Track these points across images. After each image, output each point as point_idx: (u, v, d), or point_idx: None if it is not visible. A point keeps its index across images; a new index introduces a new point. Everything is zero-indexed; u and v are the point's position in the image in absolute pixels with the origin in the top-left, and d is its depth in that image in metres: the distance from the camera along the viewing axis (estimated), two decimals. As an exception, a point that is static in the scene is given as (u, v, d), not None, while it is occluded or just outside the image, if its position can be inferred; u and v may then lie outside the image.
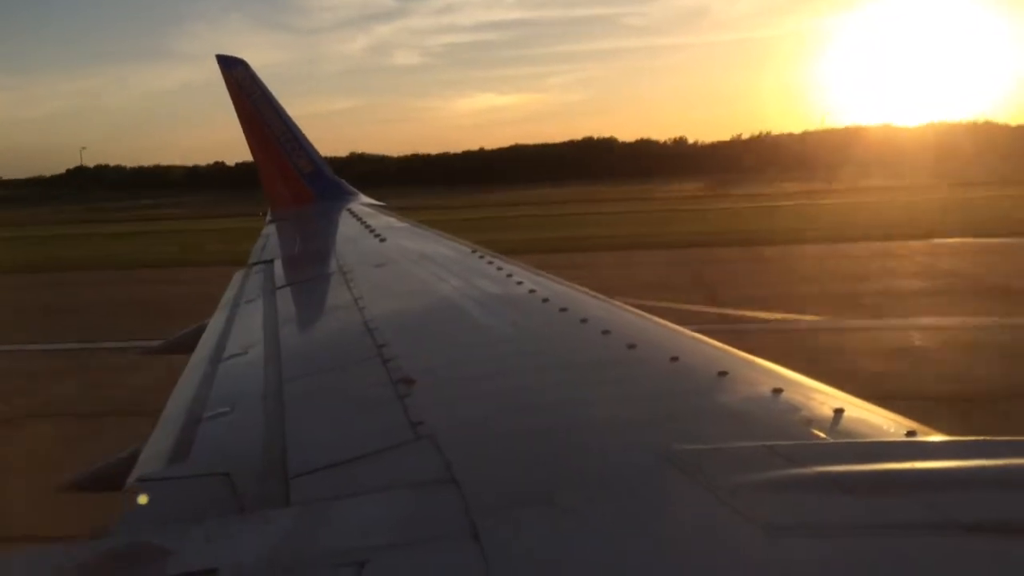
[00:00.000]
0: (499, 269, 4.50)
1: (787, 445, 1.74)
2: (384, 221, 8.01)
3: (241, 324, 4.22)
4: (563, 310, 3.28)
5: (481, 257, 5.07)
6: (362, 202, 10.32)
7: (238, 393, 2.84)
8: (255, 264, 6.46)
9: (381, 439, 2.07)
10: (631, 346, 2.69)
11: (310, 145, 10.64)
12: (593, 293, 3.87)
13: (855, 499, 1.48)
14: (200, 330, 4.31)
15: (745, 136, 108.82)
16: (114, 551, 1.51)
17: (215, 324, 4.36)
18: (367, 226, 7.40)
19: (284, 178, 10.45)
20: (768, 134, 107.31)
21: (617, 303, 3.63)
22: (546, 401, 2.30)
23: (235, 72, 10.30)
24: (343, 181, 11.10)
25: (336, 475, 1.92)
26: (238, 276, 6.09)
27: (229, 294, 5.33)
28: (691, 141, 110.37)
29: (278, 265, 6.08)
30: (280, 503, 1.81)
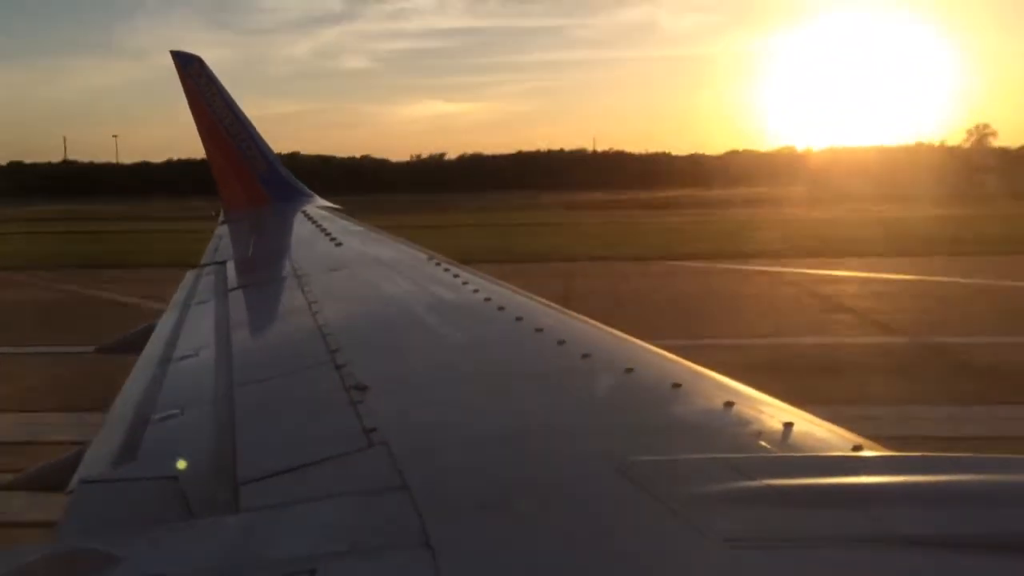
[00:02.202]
0: (455, 276, 4.49)
1: (739, 458, 1.77)
2: (340, 225, 7.94)
3: (192, 325, 4.15)
4: (519, 319, 3.29)
5: (437, 264, 5.06)
6: (318, 204, 10.21)
7: (188, 395, 2.79)
8: (207, 265, 6.36)
9: (333, 445, 2.05)
10: (586, 356, 2.71)
11: (266, 146, 10.49)
12: (549, 303, 3.89)
13: (803, 512, 1.51)
14: (149, 330, 4.23)
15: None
16: (57, 557, 1.47)
17: (165, 325, 4.28)
18: (323, 229, 7.33)
19: (239, 178, 10.28)
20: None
21: (572, 313, 3.65)
22: (500, 410, 2.30)
23: (191, 69, 10.12)
24: (299, 183, 10.99)
25: (287, 481, 1.89)
26: (190, 276, 5.98)
27: (180, 295, 5.24)
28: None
29: (230, 267, 5.99)
30: (229, 509, 1.79)
